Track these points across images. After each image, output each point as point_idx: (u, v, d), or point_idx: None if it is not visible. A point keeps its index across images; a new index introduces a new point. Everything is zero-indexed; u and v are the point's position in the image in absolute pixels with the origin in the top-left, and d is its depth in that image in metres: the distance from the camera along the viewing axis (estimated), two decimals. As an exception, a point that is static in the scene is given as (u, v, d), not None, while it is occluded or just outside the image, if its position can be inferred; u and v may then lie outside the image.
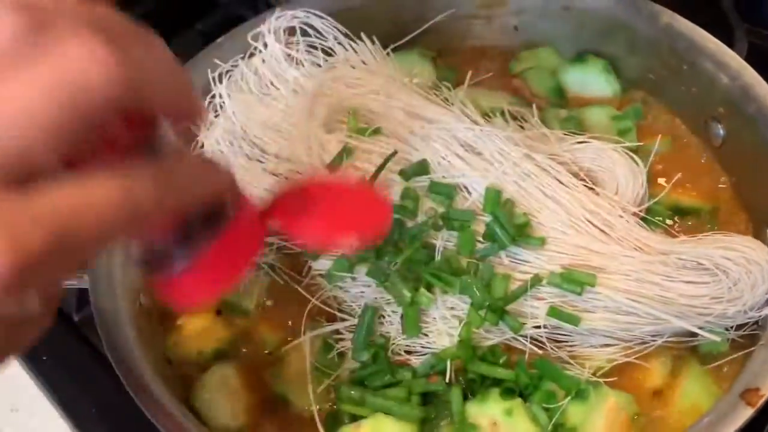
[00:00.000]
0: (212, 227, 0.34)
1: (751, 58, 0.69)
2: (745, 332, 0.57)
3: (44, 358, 0.68)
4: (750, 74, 0.66)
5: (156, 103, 0.30)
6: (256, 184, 0.63)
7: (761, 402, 0.49)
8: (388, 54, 0.72)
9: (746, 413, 0.48)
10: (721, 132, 0.68)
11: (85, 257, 0.28)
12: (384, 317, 0.59)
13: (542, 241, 0.59)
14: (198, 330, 0.60)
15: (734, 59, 0.67)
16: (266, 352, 0.60)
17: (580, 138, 0.66)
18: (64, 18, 0.28)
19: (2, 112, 0.26)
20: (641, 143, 0.68)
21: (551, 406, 0.54)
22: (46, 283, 0.28)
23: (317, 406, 0.57)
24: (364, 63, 0.70)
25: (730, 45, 0.73)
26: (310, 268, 0.62)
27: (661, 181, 0.67)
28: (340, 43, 0.70)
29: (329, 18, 0.70)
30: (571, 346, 0.59)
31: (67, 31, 0.27)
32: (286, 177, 0.64)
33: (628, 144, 0.66)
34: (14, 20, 0.27)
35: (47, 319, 0.32)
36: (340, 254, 0.59)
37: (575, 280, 0.57)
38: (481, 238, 0.59)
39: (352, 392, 0.57)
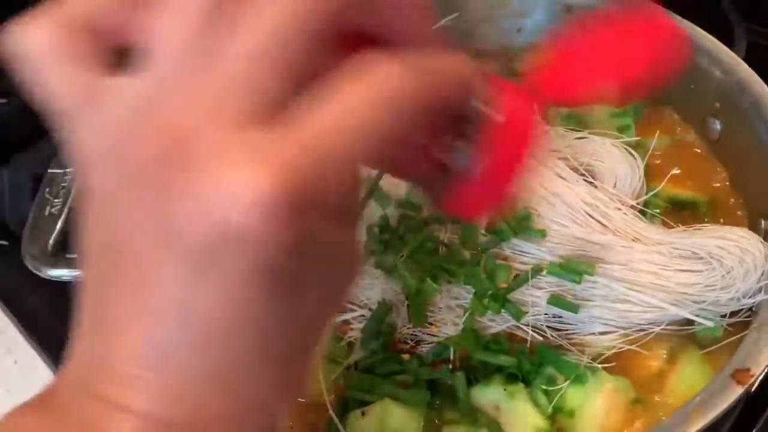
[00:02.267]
0: (478, 131, 0.30)
1: (751, 57, 0.71)
2: (739, 319, 0.59)
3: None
4: (744, 70, 0.68)
5: (382, 21, 0.28)
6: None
7: (751, 381, 0.51)
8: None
9: (737, 391, 0.50)
10: (718, 127, 0.70)
11: (355, 167, 0.26)
12: (391, 308, 0.62)
13: (543, 234, 0.61)
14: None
15: (729, 56, 0.69)
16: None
17: (580, 134, 0.68)
18: None
19: (231, 71, 0.25)
20: (639, 138, 0.70)
21: (551, 388, 0.57)
22: (328, 199, 0.25)
23: (329, 394, 0.59)
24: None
25: (730, 43, 0.75)
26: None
27: (660, 175, 0.69)
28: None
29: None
30: (571, 333, 0.61)
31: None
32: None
33: (626, 139, 0.68)
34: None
35: (353, 267, 0.29)
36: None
37: (574, 269, 0.59)
38: (483, 231, 0.62)
39: (360, 380, 0.59)
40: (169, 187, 0.24)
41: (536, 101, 0.32)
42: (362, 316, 0.62)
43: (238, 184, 0.23)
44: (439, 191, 0.32)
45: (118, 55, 0.28)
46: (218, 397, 0.26)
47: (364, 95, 0.25)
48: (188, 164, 0.24)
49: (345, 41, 0.27)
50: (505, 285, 0.60)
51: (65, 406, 0.27)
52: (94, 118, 0.27)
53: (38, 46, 0.27)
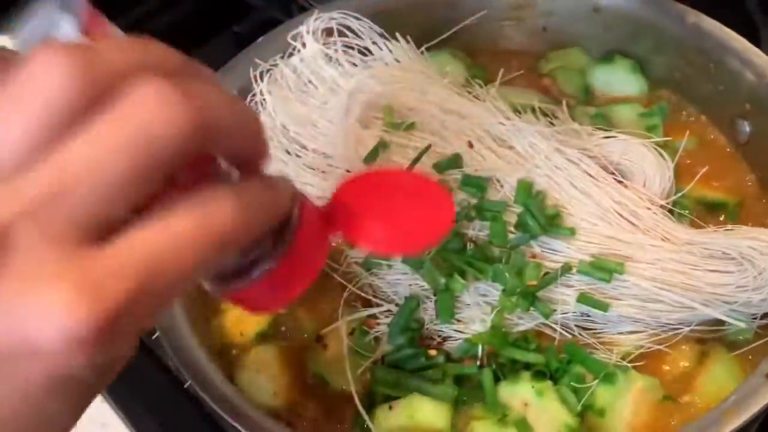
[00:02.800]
0: (280, 237, 0.34)
1: (777, 57, 0.71)
2: (770, 321, 0.59)
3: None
4: (776, 72, 0.67)
5: (224, 146, 0.29)
6: (296, 178, 0.65)
7: (785, 382, 0.50)
8: (421, 53, 0.74)
9: (772, 392, 0.50)
10: (747, 129, 0.70)
11: (172, 297, 0.27)
12: (419, 304, 0.62)
13: (572, 232, 0.61)
14: (240, 313, 0.63)
15: (760, 57, 0.68)
16: (305, 335, 0.63)
17: (609, 133, 0.68)
18: (119, 61, 0.27)
19: (68, 175, 0.25)
20: (668, 138, 0.70)
21: (580, 386, 0.56)
22: (135, 328, 0.27)
23: (355, 387, 0.59)
24: (398, 61, 0.73)
25: (756, 44, 0.75)
26: (346, 256, 0.64)
27: (688, 176, 0.69)
28: (375, 43, 0.73)
29: (365, 19, 0.73)
30: (600, 332, 0.61)
31: (126, 76, 0.26)
32: (323, 171, 0.66)
33: (655, 139, 0.68)
34: (65, 72, 0.25)
35: (132, 351, 0.31)
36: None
37: (604, 268, 0.59)
38: (512, 228, 0.62)
39: (388, 375, 0.59)
40: None
41: (330, 231, 0.37)
42: (389, 311, 0.62)
43: (50, 304, 0.24)
44: (229, 284, 0.34)
45: None
46: None
47: (190, 229, 0.26)
48: (5, 272, 0.24)
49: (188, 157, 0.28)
50: (534, 283, 0.60)
51: None
52: None
53: None
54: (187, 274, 0.26)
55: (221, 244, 0.27)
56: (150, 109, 0.25)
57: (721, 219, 0.67)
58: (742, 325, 0.58)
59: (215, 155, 0.30)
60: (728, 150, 0.72)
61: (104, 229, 0.25)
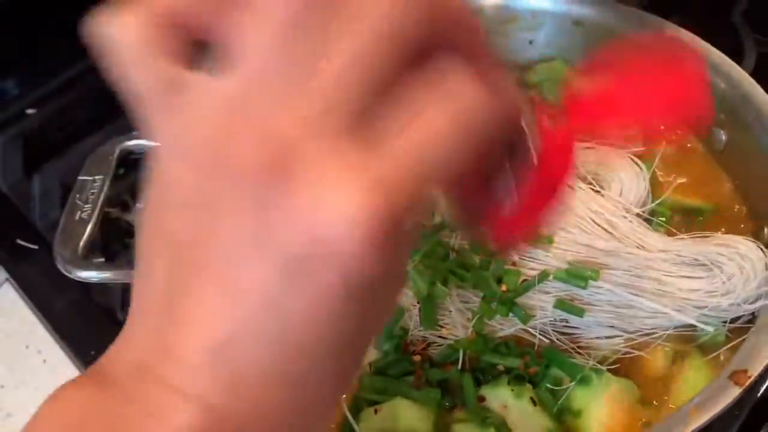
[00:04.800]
0: (521, 158, 0.31)
1: (760, 69, 0.73)
2: (741, 324, 0.61)
3: (92, 353, 0.74)
4: (749, 83, 0.70)
5: (451, 43, 0.28)
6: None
7: (749, 382, 0.52)
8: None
9: (734, 392, 0.52)
10: (723, 138, 0.72)
11: (441, 191, 0.27)
12: (403, 311, 0.64)
13: (550, 240, 0.63)
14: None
15: (734, 68, 0.71)
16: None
17: (588, 144, 0.70)
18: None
19: (327, 85, 0.25)
20: (645, 148, 0.72)
21: (557, 388, 0.59)
22: (413, 226, 0.26)
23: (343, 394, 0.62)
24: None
25: (740, 56, 0.77)
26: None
27: (665, 184, 0.71)
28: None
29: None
30: (577, 337, 0.63)
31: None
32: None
33: (633, 149, 0.70)
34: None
35: (403, 282, 0.30)
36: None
37: (580, 275, 0.61)
38: (492, 238, 0.64)
39: (375, 381, 0.62)
40: (268, 194, 0.25)
41: (573, 136, 0.33)
42: (376, 318, 0.64)
43: (335, 200, 0.24)
44: (477, 218, 0.33)
45: (198, 52, 0.29)
46: (281, 396, 0.27)
47: (448, 114, 0.26)
48: (288, 176, 0.24)
49: (422, 48, 0.27)
50: (513, 289, 0.62)
51: (121, 383, 0.27)
52: (181, 110, 0.27)
53: (123, 39, 0.28)
54: (452, 164, 0.26)
55: (480, 133, 0.27)
56: (384, 4, 0.26)
57: (697, 225, 0.69)
58: (712, 329, 0.60)
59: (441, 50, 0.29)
60: (705, 158, 0.74)
61: (371, 125, 0.25)
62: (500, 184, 0.32)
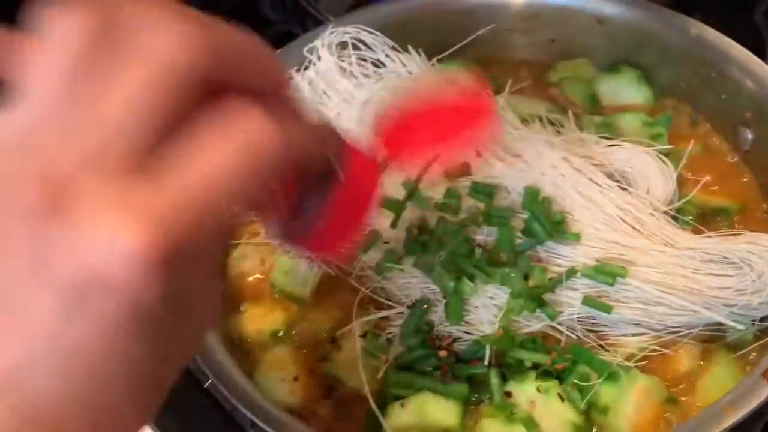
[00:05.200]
0: (330, 183, 0.35)
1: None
2: (770, 323, 0.61)
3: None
4: (776, 82, 0.69)
5: (242, 77, 0.30)
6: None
7: (782, 380, 0.52)
8: (433, 65, 0.77)
9: (767, 390, 0.52)
10: (750, 136, 0.72)
11: (223, 222, 0.28)
12: (429, 306, 0.64)
13: (577, 237, 0.63)
14: (258, 314, 0.65)
15: (760, 66, 0.71)
16: (320, 337, 0.65)
17: (614, 142, 0.70)
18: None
19: (105, 117, 0.26)
20: (672, 146, 0.72)
21: (585, 384, 0.58)
22: (193, 255, 0.27)
23: (368, 387, 0.61)
24: (410, 73, 0.75)
25: (762, 55, 0.77)
26: (360, 261, 0.67)
27: (691, 182, 0.71)
28: (388, 56, 0.76)
29: (378, 33, 0.76)
30: (604, 334, 0.63)
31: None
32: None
33: (659, 147, 0.70)
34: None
35: (211, 312, 0.32)
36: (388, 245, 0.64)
37: (608, 272, 0.61)
38: (519, 234, 0.64)
39: (401, 377, 0.61)
40: (45, 232, 0.26)
41: (378, 163, 0.39)
42: (400, 313, 0.64)
43: (111, 235, 0.25)
44: (291, 233, 0.36)
45: None
46: (76, 422, 0.28)
47: (232, 146, 0.27)
48: (63, 212, 0.25)
49: (210, 89, 0.29)
50: (540, 286, 0.62)
51: None
52: None
53: None
54: (236, 195, 0.27)
55: (266, 165, 0.28)
56: (164, 44, 0.27)
57: (723, 225, 0.69)
58: (742, 327, 0.60)
59: (235, 87, 0.30)
60: (731, 157, 0.74)
61: (150, 161, 0.26)
62: (310, 203, 0.35)
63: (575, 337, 0.62)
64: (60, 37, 0.27)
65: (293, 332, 0.66)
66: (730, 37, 0.74)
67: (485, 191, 0.66)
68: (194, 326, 0.31)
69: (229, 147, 0.27)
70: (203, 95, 0.28)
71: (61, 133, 0.26)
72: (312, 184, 0.35)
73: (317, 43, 0.75)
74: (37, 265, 0.26)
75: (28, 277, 0.26)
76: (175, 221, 0.26)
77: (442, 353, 0.62)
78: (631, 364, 0.60)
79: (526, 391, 0.59)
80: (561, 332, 0.62)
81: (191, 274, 0.28)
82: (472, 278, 0.63)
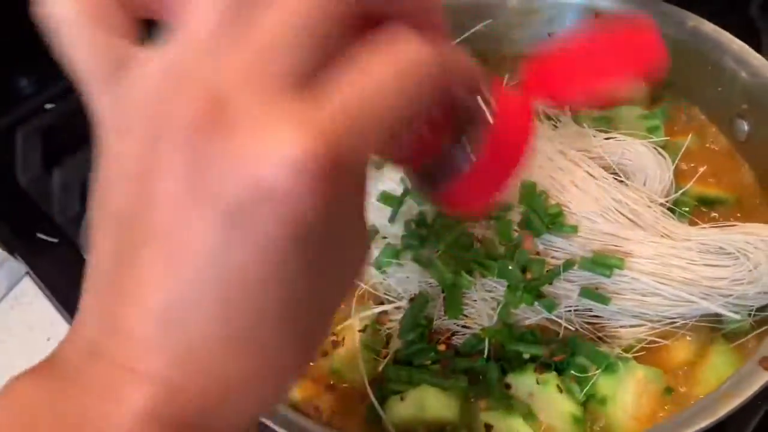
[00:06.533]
0: (477, 128, 0.31)
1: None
2: (767, 313, 0.61)
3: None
4: (771, 73, 0.70)
5: (399, 6, 0.29)
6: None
7: (779, 367, 0.53)
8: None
9: (764, 377, 0.52)
10: (746, 128, 0.72)
11: (381, 139, 0.26)
12: (428, 301, 0.64)
13: (574, 229, 0.63)
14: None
15: (756, 58, 0.71)
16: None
17: (611, 134, 0.70)
18: None
19: (269, 33, 0.26)
20: (668, 138, 0.72)
21: (583, 375, 0.59)
22: (352, 170, 0.26)
23: (368, 381, 0.62)
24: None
25: (758, 49, 0.77)
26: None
27: (688, 174, 0.71)
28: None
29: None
30: (602, 325, 0.63)
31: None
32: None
33: (656, 139, 0.70)
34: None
35: (363, 247, 0.30)
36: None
37: (605, 263, 0.61)
38: (517, 227, 0.64)
39: (400, 371, 0.62)
40: (204, 149, 0.24)
41: (531, 101, 0.34)
42: (399, 308, 0.65)
43: (275, 145, 0.24)
44: (434, 183, 0.33)
45: (144, 29, 0.29)
46: (237, 364, 0.26)
47: (390, 66, 0.26)
48: (225, 126, 0.24)
49: (364, 23, 0.27)
50: (538, 278, 0.62)
51: (74, 369, 0.26)
52: (122, 84, 0.27)
53: (67, 13, 0.27)
54: (397, 114, 0.26)
55: (426, 89, 0.27)
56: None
57: (720, 216, 0.69)
58: (738, 317, 0.60)
59: (389, 18, 0.29)
60: (728, 149, 0.74)
61: (310, 81, 0.25)
62: (457, 149, 0.31)
63: (573, 329, 0.62)
64: None
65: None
66: (725, 29, 0.74)
67: (482, 185, 0.66)
68: (347, 262, 0.29)
69: (388, 67, 0.26)
70: (362, 22, 0.27)
71: (221, 54, 0.25)
72: (458, 126, 0.31)
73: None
74: (194, 183, 0.24)
75: (186, 198, 0.25)
76: (337, 132, 0.24)
77: (441, 347, 0.63)
78: (629, 355, 0.61)
79: (524, 384, 0.60)
80: (559, 324, 0.62)
81: (347, 197, 0.27)
82: (470, 272, 0.63)
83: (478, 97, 0.31)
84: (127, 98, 0.27)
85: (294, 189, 0.24)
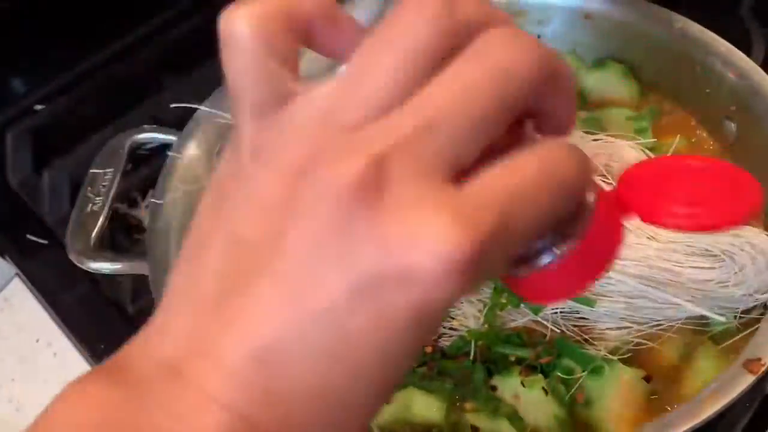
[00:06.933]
0: (573, 227, 0.30)
1: (769, 62, 0.73)
2: (754, 315, 0.61)
3: (102, 346, 0.74)
4: (758, 74, 0.70)
5: (551, 106, 0.29)
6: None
7: (762, 370, 0.52)
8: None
9: (748, 380, 0.52)
10: (734, 129, 0.72)
11: (524, 238, 0.27)
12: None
13: (561, 232, 0.63)
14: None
15: (743, 60, 0.71)
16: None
17: (598, 136, 0.71)
18: (474, 11, 0.27)
19: (435, 112, 0.25)
20: (655, 140, 0.72)
21: (569, 377, 0.59)
22: (492, 265, 0.26)
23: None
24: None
25: (748, 50, 0.77)
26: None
27: (676, 176, 0.71)
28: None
29: (362, 32, 0.76)
30: (588, 328, 0.63)
31: (479, 23, 0.27)
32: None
33: (643, 141, 0.70)
34: (433, 16, 0.26)
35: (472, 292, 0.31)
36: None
37: (591, 265, 0.61)
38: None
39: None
40: (356, 211, 0.24)
41: (625, 212, 0.33)
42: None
43: (430, 232, 0.24)
44: (518, 267, 0.32)
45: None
46: (317, 412, 0.26)
47: (540, 167, 0.26)
48: (382, 197, 0.24)
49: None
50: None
51: (148, 384, 0.26)
52: (280, 119, 0.27)
53: (245, 33, 0.27)
54: (539, 215, 0.26)
55: (566, 192, 0.27)
56: (506, 49, 0.26)
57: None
58: (723, 320, 0.60)
59: (535, 116, 0.29)
60: (716, 151, 0.74)
61: (463, 167, 0.26)
62: (546, 243, 0.31)
63: (559, 331, 0.62)
64: (408, 23, 0.26)
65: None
66: (716, 32, 0.74)
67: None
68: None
69: (536, 166, 0.26)
70: (515, 119, 0.27)
71: (387, 116, 0.25)
72: (558, 222, 0.30)
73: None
74: (336, 245, 0.25)
75: (326, 251, 0.25)
76: (487, 232, 0.24)
77: (428, 349, 0.63)
78: (615, 357, 0.61)
79: (510, 385, 0.60)
80: (545, 326, 0.62)
81: (482, 276, 0.26)
82: (456, 274, 0.63)
83: (587, 201, 0.30)
84: (279, 128, 0.27)
85: (435, 279, 0.24)
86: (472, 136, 0.26)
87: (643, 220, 0.33)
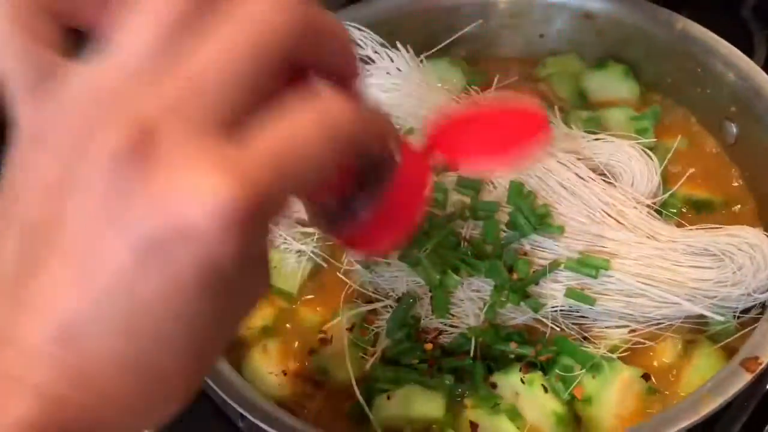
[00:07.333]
0: (381, 176, 0.34)
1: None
2: (752, 315, 0.61)
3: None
4: (760, 76, 0.70)
5: (324, 53, 0.30)
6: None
7: (760, 369, 0.53)
8: (421, 61, 0.78)
9: (745, 378, 0.52)
10: (735, 130, 0.73)
11: (300, 189, 0.28)
12: (416, 300, 0.65)
13: (561, 230, 0.64)
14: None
15: (743, 60, 0.71)
16: (309, 331, 0.66)
17: (599, 136, 0.71)
18: None
19: (203, 73, 0.26)
20: (656, 140, 0.72)
21: (568, 375, 0.59)
22: (270, 218, 0.27)
23: (355, 379, 0.62)
24: (399, 70, 0.76)
25: (750, 51, 0.77)
26: (347, 255, 0.68)
27: (678, 176, 0.71)
28: (377, 52, 0.76)
29: (367, 30, 0.76)
30: (588, 326, 0.63)
31: None
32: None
33: (644, 141, 0.71)
34: None
35: (266, 282, 0.31)
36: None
37: (591, 264, 0.62)
38: (504, 227, 0.65)
39: (387, 371, 0.62)
40: (126, 177, 0.25)
41: (430, 159, 0.37)
42: (387, 307, 0.65)
43: (201, 188, 0.24)
44: (333, 222, 0.35)
45: (72, 40, 0.29)
46: (129, 384, 0.26)
47: (316, 120, 0.27)
48: (150, 159, 0.25)
49: (293, 66, 0.29)
50: (524, 279, 0.63)
51: None
52: (47, 94, 0.27)
53: None
54: (317, 166, 0.27)
55: (344, 143, 0.28)
56: (261, 7, 0.27)
57: (708, 218, 0.69)
58: (722, 319, 0.61)
59: (313, 67, 0.30)
60: (716, 151, 0.74)
61: (237, 123, 0.26)
62: (359, 196, 0.33)
63: (559, 329, 0.63)
64: None
65: (282, 327, 0.66)
66: (718, 33, 0.75)
67: (471, 185, 0.67)
68: (249, 302, 0.31)
69: (311, 119, 0.27)
70: (288, 72, 0.28)
71: (153, 82, 0.26)
72: (367, 175, 0.33)
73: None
74: (113, 211, 0.25)
75: (103, 222, 0.25)
76: (262, 183, 0.25)
77: (429, 346, 0.63)
78: (614, 355, 0.61)
79: (510, 383, 0.60)
80: (545, 324, 0.63)
81: (260, 238, 0.28)
82: (457, 271, 0.63)
83: (389, 153, 0.33)
84: (50, 109, 0.27)
85: (214, 234, 0.24)
86: (239, 92, 0.26)
87: (449, 161, 0.38)
